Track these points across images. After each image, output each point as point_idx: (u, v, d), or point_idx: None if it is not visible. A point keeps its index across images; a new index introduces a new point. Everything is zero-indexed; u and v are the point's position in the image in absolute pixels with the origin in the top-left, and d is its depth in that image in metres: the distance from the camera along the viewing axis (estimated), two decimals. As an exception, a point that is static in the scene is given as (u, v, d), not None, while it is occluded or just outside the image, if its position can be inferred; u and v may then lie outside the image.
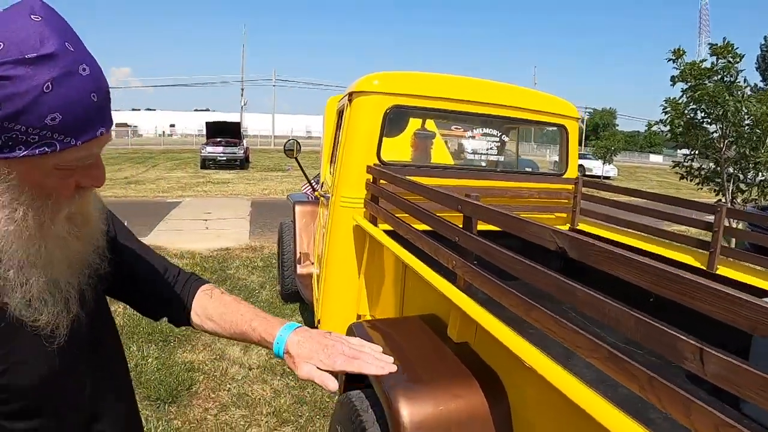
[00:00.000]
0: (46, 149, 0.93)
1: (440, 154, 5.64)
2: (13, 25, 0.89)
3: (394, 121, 4.42)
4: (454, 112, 4.40)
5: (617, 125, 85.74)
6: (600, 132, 72.10)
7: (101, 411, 1.29)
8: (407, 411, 2.01)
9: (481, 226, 2.44)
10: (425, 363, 2.37)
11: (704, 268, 3.72)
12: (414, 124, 5.36)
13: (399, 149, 4.99)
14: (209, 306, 1.50)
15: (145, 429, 3.97)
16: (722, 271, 3.66)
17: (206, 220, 13.33)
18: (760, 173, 10.04)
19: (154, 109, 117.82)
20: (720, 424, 1.13)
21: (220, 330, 1.47)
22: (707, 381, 1.19)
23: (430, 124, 5.45)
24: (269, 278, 8.26)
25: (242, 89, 67.31)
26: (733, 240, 8.64)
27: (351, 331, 2.77)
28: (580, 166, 33.41)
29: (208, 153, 29.49)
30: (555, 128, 4.89)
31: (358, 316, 4.03)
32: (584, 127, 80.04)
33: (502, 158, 5.13)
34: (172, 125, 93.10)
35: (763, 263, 3.70)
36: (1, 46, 0.87)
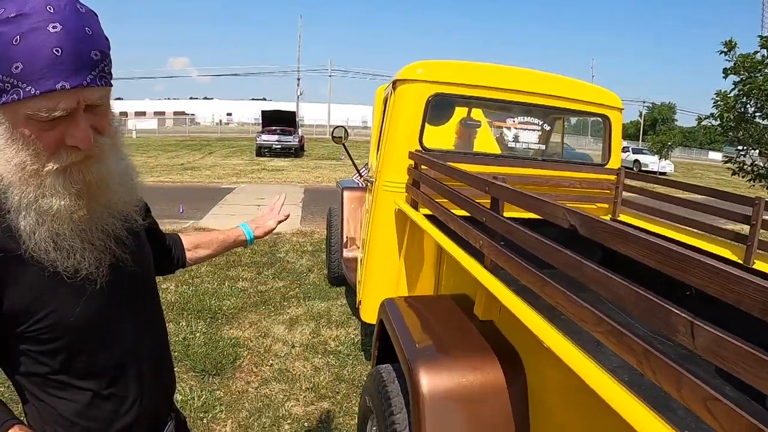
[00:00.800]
0: (14, 96, 1.07)
1: (486, 142, 5.69)
2: None
3: (437, 108, 4.49)
4: (495, 100, 4.45)
5: (676, 120, 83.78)
6: (658, 127, 70.58)
7: (140, 354, 1.43)
8: (426, 380, 2.11)
9: (519, 215, 2.53)
10: (450, 338, 2.47)
11: (740, 262, 3.70)
12: (460, 112, 5.42)
13: (444, 137, 5.06)
14: (193, 240, 2.01)
15: (189, 398, 4.16)
16: (759, 265, 3.63)
17: (259, 205, 13.55)
18: None
19: (212, 98, 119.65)
20: (707, 398, 1.18)
21: (208, 251, 2.03)
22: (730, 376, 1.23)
23: (477, 113, 5.51)
24: (317, 262, 8.42)
25: (298, 79, 67.71)
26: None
27: (383, 308, 2.88)
28: (636, 161, 32.59)
29: (264, 141, 29.79)
30: (598, 118, 4.89)
31: (397, 298, 4.14)
32: (642, 121, 78.47)
33: (544, 148, 5.16)
34: (229, 114, 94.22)
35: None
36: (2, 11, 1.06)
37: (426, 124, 4.23)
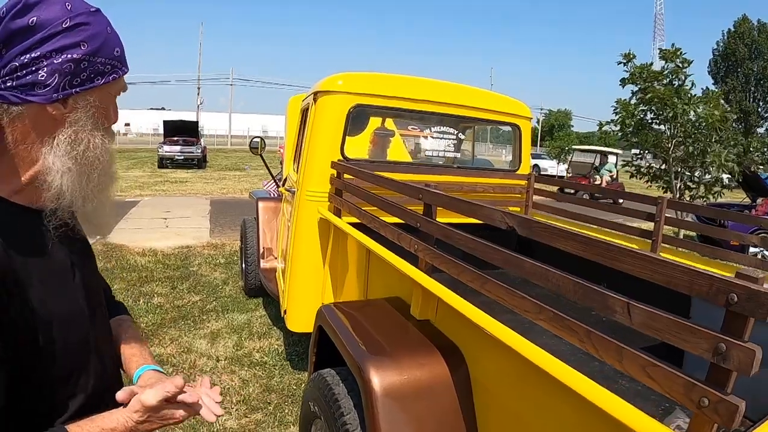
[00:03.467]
0: (115, 75, 1.25)
1: (398, 151, 5.86)
2: None
3: (356, 119, 4.61)
4: (413, 111, 4.63)
5: (572, 126, 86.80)
6: (555, 132, 72.94)
7: (103, 350, 1.42)
8: (377, 379, 2.22)
9: (444, 219, 2.68)
10: (392, 339, 2.59)
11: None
12: (374, 123, 5.56)
13: (360, 147, 5.19)
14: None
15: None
16: (664, 257, 3.93)
17: (166, 218, 13.33)
18: (706, 172, 10.48)
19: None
20: (646, 365, 1.38)
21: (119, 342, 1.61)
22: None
23: (390, 123, 5.67)
24: (232, 274, 8.38)
25: (198, 88, 66.69)
26: (682, 232, 9.04)
27: (321, 314, 2.98)
28: (535, 165, 33.54)
29: (166, 152, 28.99)
30: (508, 127, 5.14)
31: (323, 305, 4.22)
32: (540, 127, 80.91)
33: (458, 156, 5.36)
34: (127, 124, 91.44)
35: (702, 250, 4.01)
36: (70, 5, 1.16)
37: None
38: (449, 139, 5.16)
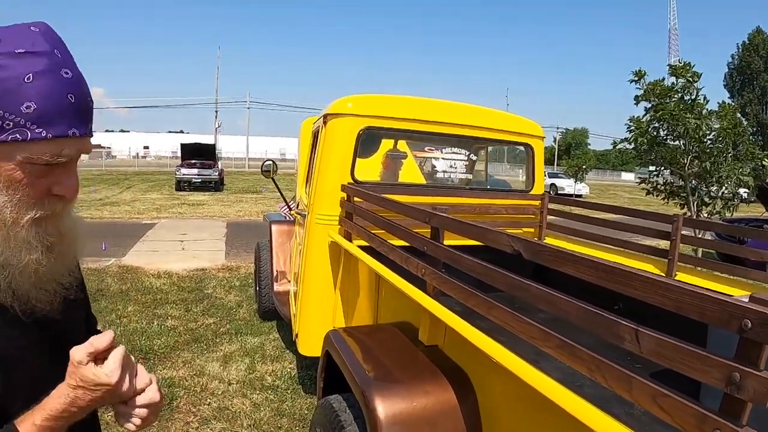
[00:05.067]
0: (18, 136, 1.01)
1: (411, 173, 5.82)
2: (13, 30, 1.04)
3: (367, 142, 4.58)
4: (424, 132, 4.60)
5: (589, 144, 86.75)
6: (572, 151, 72.86)
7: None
8: (382, 407, 2.17)
9: (453, 242, 2.63)
10: (398, 365, 2.54)
11: (662, 275, 3.90)
12: (386, 145, 5.54)
13: (372, 169, 5.16)
14: None
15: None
16: (681, 277, 3.86)
17: (182, 241, 13.38)
18: (723, 187, 10.36)
19: (128, 131, 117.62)
20: (656, 395, 1.32)
21: None
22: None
23: (402, 145, 5.64)
24: (246, 297, 8.36)
25: (216, 111, 67.23)
26: (700, 251, 8.92)
27: (328, 339, 2.93)
28: (552, 185, 33.55)
29: (183, 175, 29.22)
30: (521, 147, 5.10)
31: (334, 329, 4.17)
32: (556, 146, 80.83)
33: (471, 176, 5.32)
34: (146, 147, 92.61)
35: (722, 269, 3.91)
36: None
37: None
38: (462, 160, 5.11)
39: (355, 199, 3.98)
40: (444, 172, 5.22)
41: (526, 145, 5.06)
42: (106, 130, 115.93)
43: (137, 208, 20.57)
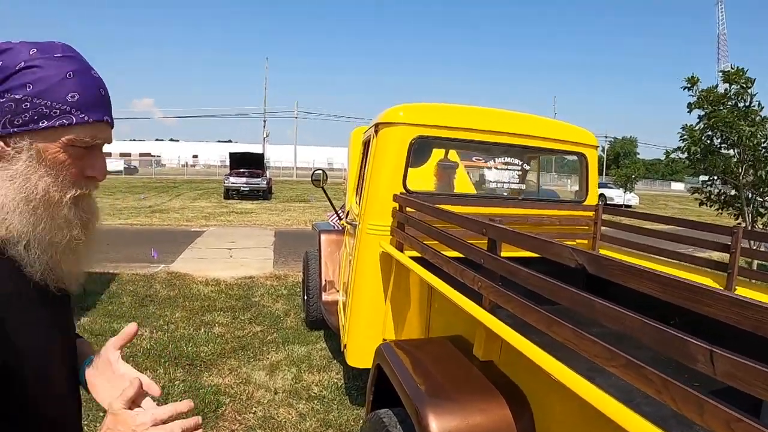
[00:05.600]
0: (64, 121, 1.18)
1: (462, 183, 5.76)
2: (46, 42, 1.23)
3: (418, 151, 4.54)
4: (476, 142, 4.54)
5: (638, 153, 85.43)
6: (621, 161, 71.87)
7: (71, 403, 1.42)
8: (436, 424, 2.11)
9: (506, 253, 2.56)
10: (452, 381, 2.48)
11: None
12: (437, 154, 5.49)
13: (423, 179, 5.12)
14: None
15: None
16: (741, 291, 3.73)
17: (230, 248, 13.50)
18: None
19: (177, 140, 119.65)
20: (731, 420, 1.23)
21: None
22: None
23: (453, 155, 5.59)
24: (293, 306, 8.37)
25: (264, 121, 67.96)
26: (755, 263, 8.64)
27: (380, 352, 2.88)
28: (601, 195, 33.08)
29: (232, 183, 29.56)
30: (574, 156, 5.00)
31: (384, 341, 4.12)
32: (605, 156, 79.77)
33: (523, 187, 5.24)
34: (195, 156, 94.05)
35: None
36: (35, 50, 1.18)
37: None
38: (514, 170, 5.04)
39: (408, 209, 3.94)
40: (496, 182, 5.14)
41: (580, 155, 4.96)
42: (156, 139, 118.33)
43: (186, 215, 20.86)
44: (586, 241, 4.97)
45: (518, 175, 5.07)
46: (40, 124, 1.16)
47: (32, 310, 1.24)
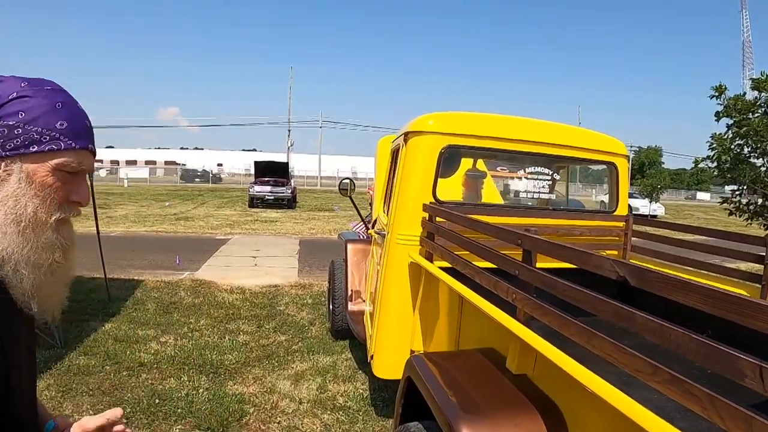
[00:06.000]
0: (54, 146, 1.26)
1: (490, 193, 5.73)
2: (36, 78, 1.32)
3: (448, 161, 4.52)
4: (506, 151, 4.50)
5: (663, 163, 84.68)
6: (646, 170, 71.29)
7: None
8: (469, 437, 2.08)
9: (540, 265, 2.53)
10: (485, 394, 2.45)
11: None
12: (465, 164, 5.46)
13: (451, 188, 5.09)
14: None
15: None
16: (776, 304, 3.65)
17: (255, 257, 13.54)
18: None
19: (202, 149, 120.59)
20: None
21: None
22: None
23: (481, 164, 5.55)
24: (319, 315, 8.36)
25: (289, 130, 68.34)
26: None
27: (411, 364, 2.86)
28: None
29: (257, 192, 29.70)
30: (603, 166, 4.95)
31: (412, 352, 4.09)
32: (630, 165, 79.10)
33: (552, 197, 5.20)
34: (220, 164, 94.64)
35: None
36: (26, 83, 1.27)
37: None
38: (543, 179, 4.99)
39: (438, 218, 3.91)
40: (524, 192, 5.10)
41: (610, 164, 4.91)
42: (181, 148, 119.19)
43: (211, 223, 20.96)
44: (616, 252, 4.91)
45: (547, 185, 5.03)
46: (31, 149, 1.25)
47: (14, 331, 1.30)
